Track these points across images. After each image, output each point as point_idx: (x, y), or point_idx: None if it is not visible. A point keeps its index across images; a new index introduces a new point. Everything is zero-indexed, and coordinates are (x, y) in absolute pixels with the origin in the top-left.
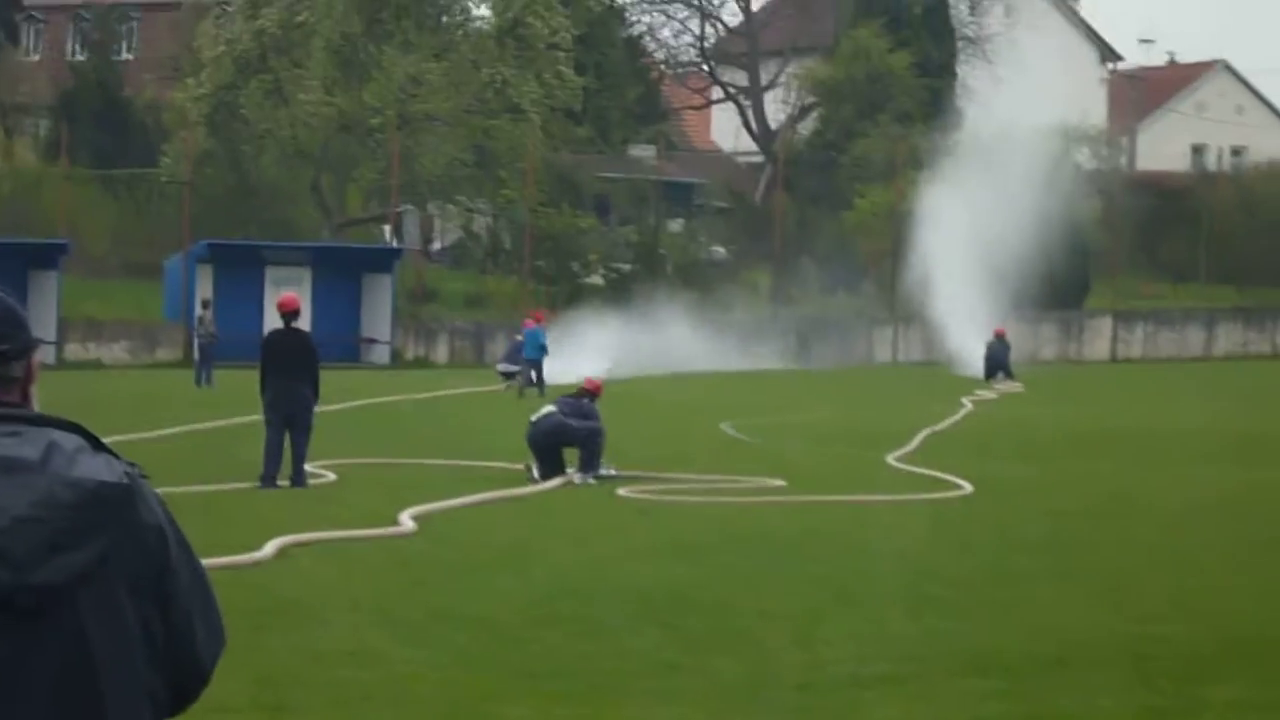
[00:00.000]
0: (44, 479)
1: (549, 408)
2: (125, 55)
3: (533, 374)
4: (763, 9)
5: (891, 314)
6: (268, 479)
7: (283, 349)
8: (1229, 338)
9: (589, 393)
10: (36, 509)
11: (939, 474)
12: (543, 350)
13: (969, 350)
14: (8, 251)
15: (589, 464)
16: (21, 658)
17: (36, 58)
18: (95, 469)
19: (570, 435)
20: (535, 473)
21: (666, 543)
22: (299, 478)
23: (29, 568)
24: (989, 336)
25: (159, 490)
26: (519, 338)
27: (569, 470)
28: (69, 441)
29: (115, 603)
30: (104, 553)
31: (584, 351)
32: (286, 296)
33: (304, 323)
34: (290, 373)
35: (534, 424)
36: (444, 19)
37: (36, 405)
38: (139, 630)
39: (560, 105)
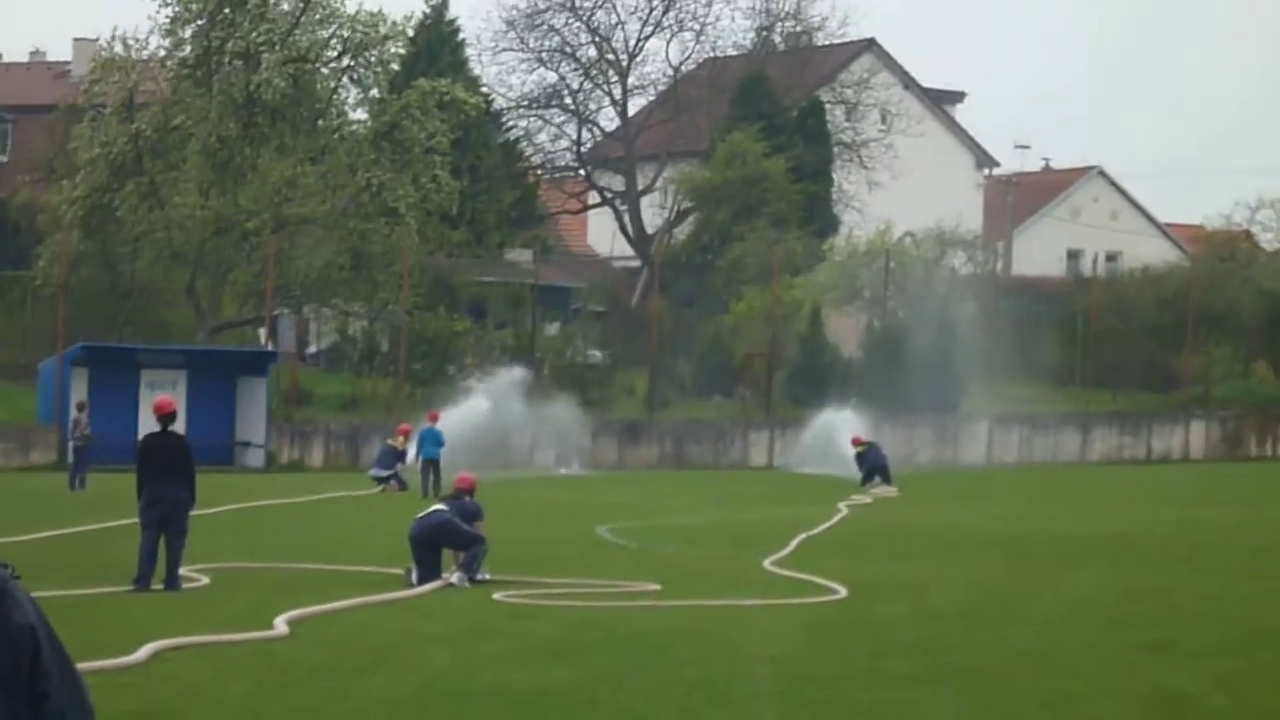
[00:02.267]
0: None
1: (437, 505)
2: (0, 157)
3: (431, 474)
4: (639, 113)
5: (767, 417)
6: (142, 581)
7: (159, 451)
8: (1104, 442)
9: (465, 490)
10: None
11: (814, 578)
12: (440, 446)
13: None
14: None
15: (469, 566)
16: None
17: None
18: None
19: (455, 536)
20: (414, 577)
21: (541, 645)
22: (173, 581)
23: None
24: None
25: (33, 593)
26: (390, 443)
27: (445, 574)
28: None
29: None
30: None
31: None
32: (162, 399)
33: (179, 426)
34: (167, 475)
35: (420, 520)
36: (320, 123)
37: None
38: None
39: (436, 209)
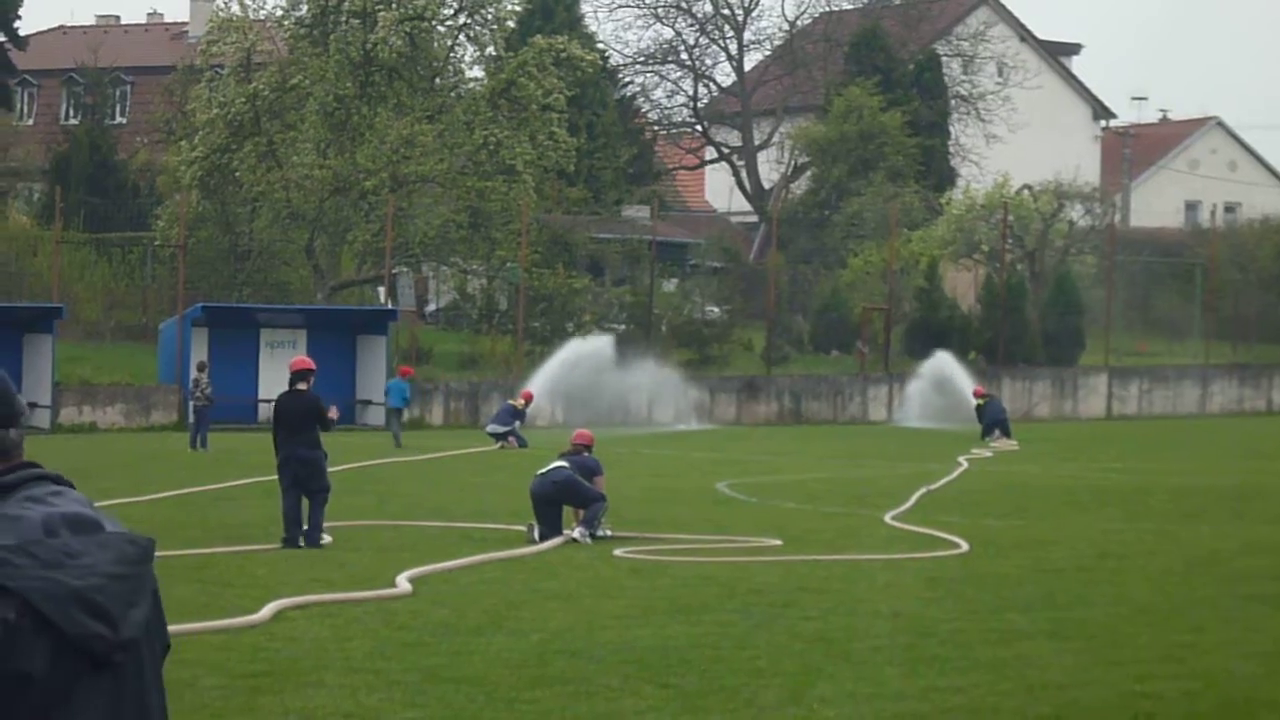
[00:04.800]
0: (113, 537)
1: (558, 462)
2: (118, 119)
3: (396, 422)
4: (755, 69)
5: (886, 372)
6: (290, 541)
7: (289, 412)
8: (1224, 394)
9: (583, 446)
10: (119, 566)
11: (935, 532)
12: (404, 401)
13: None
14: (2, 316)
15: (590, 522)
16: (115, 711)
17: (30, 122)
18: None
19: (577, 494)
20: (536, 534)
21: (662, 602)
22: (313, 538)
23: (121, 623)
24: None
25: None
26: (511, 402)
27: (567, 530)
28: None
29: (155, 651)
30: (156, 604)
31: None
32: (297, 358)
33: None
34: (296, 435)
35: (541, 476)
36: (437, 81)
37: None
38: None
39: (554, 166)
